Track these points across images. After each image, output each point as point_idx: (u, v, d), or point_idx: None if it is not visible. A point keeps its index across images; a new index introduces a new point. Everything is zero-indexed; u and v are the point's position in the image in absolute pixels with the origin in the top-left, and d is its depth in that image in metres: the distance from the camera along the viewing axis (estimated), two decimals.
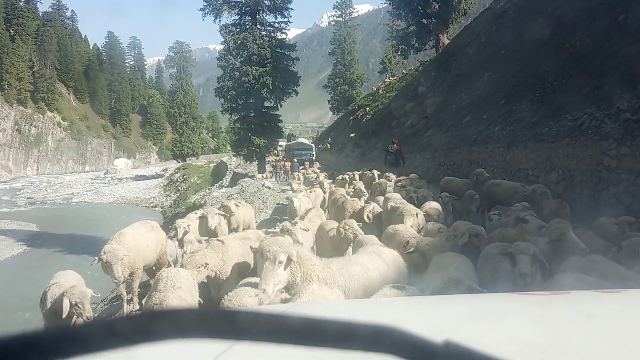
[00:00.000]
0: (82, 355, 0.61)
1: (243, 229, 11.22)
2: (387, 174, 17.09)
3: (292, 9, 44.89)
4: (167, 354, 1.01)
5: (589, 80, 15.63)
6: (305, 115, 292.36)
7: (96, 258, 7.17)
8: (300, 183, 20.24)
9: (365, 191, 13.99)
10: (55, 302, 5.81)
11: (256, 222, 13.88)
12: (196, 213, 10.79)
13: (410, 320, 1.67)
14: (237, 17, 44.49)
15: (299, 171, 34.34)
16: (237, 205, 11.40)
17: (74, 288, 5.77)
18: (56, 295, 5.90)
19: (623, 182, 11.27)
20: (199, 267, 5.96)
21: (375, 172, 17.84)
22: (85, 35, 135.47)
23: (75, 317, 5.74)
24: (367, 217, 9.87)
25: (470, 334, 1.39)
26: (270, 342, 0.64)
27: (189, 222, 10.00)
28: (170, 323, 0.62)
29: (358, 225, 7.73)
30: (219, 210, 10.65)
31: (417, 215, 8.88)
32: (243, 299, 4.17)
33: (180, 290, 5.12)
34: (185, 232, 9.63)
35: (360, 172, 19.41)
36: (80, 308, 5.60)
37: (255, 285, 4.98)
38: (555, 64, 18.98)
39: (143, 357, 0.93)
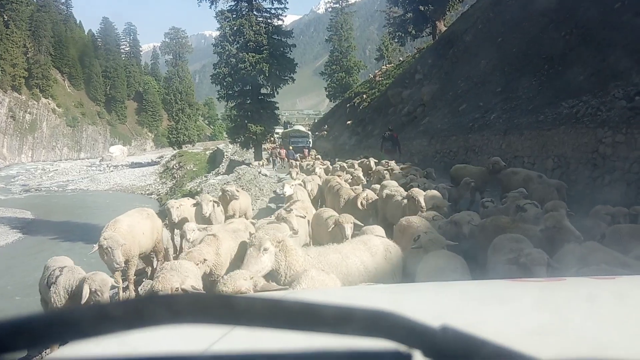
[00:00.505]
0: (73, 340, 0.61)
1: (239, 217, 11.21)
2: (386, 161, 17.08)
3: None
4: (163, 339, 1.01)
5: (585, 67, 15.63)
6: (302, 102, 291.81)
7: (96, 245, 7.14)
8: (297, 172, 20.23)
9: (363, 179, 13.98)
10: (76, 288, 5.76)
11: (253, 209, 13.85)
12: (189, 199, 10.78)
13: (407, 306, 1.68)
14: (233, 3, 44.18)
15: (294, 158, 34.32)
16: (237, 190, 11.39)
17: (96, 275, 5.73)
18: (71, 280, 5.83)
19: (618, 170, 11.30)
20: (197, 264, 5.90)
21: (372, 160, 17.83)
22: (80, 21, 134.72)
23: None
24: (361, 204, 9.86)
25: (468, 320, 1.40)
26: (266, 327, 0.64)
27: (181, 202, 10.02)
28: (163, 308, 0.61)
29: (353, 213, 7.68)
30: (214, 197, 10.61)
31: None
32: (237, 282, 4.15)
33: (187, 279, 5.12)
34: (183, 218, 9.64)
35: (359, 160, 19.38)
36: (99, 295, 5.56)
37: None
38: (552, 52, 18.94)
39: (138, 343, 0.93)
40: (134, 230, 8.01)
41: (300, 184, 13.03)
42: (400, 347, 0.68)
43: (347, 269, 5.11)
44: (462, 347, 0.69)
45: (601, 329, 1.35)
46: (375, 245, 5.64)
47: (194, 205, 10.01)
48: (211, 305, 0.63)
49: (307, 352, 0.64)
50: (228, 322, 0.65)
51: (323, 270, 4.53)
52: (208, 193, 17.80)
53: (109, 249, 6.94)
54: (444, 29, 42.83)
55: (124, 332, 0.60)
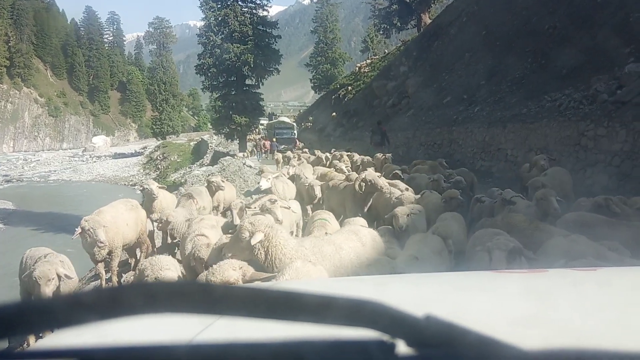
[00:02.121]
0: (48, 329, 0.60)
1: (224, 208, 11.17)
2: (383, 155, 16.89)
3: None
4: (147, 331, 1.00)
5: (567, 61, 15.74)
6: (287, 94, 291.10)
7: (78, 228, 7.06)
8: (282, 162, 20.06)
9: (346, 170, 13.78)
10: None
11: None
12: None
13: (391, 296, 1.69)
14: None
15: (278, 150, 34.35)
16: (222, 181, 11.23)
17: (42, 264, 5.75)
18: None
19: (600, 163, 11.43)
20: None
21: (356, 155, 17.35)
22: (62, 10, 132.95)
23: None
24: (359, 186, 9.36)
25: (452, 309, 1.41)
26: (247, 316, 0.63)
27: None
28: (139, 296, 0.60)
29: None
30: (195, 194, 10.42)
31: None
32: (226, 272, 4.09)
33: (169, 271, 5.08)
34: (165, 209, 9.51)
35: (348, 154, 18.79)
36: (40, 287, 5.57)
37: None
38: (535, 45, 19.06)
39: (121, 335, 0.92)
40: (117, 221, 7.91)
41: (282, 176, 12.87)
42: (384, 337, 0.67)
43: (341, 261, 5.08)
44: (446, 336, 0.70)
45: (583, 318, 1.37)
46: (364, 235, 5.66)
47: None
48: (189, 294, 0.62)
49: (289, 342, 0.64)
50: (207, 311, 0.63)
51: (310, 262, 4.50)
52: (192, 184, 17.65)
53: (91, 230, 6.86)
54: (429, 21, 42.90)
55: (99, 322, 0.58)
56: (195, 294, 0.62)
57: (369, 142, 22.33)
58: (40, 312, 0.58)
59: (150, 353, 0.63)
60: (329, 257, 5.02)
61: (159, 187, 9.90)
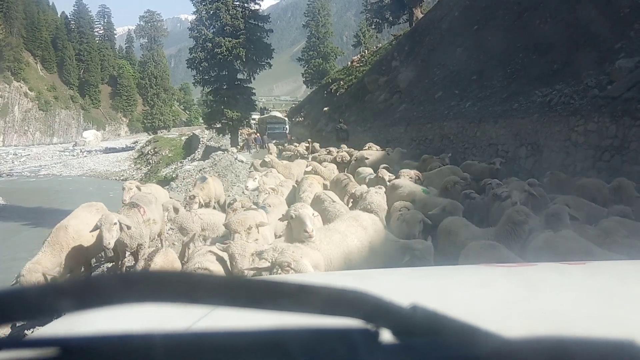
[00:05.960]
0: (22, 320, 0.61)
1: (213, 203, 11.15)
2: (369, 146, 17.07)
3: None
4: (136, 322, 1.00)
5: (558, 56, 15.78)
6: (279, 88, 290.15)
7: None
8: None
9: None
10: None
11: (229, 195, 13.69)
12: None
13: (377, 288, 1.69)
14: None
15: (263, 146, 34.55)
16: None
17: None
18: None
19: (589, 158, 11.46)
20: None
21: (340, 152, 16.86)
22: (52, 3, 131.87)
23: None
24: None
25: (437, 300, 1.42)
26: (229, 305, 0.63)
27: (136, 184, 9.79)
28: (118, 285, 0.59)
29: None
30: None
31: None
32: (210, 265, 4.21)
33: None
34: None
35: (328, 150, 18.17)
36: None
37: None
38: (526, 40, 19.09)
39: (109, 326, 0.92)
40: (81, 236, 6.94)
41: (271, 171, 12.73)
42: (368, 325, 0.67)
43: (348, 248, 5.14)
44: (430, 325, 0.70)
45: (568, 309, 1.39)
46: (365, 220, 5.73)
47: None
48: (168, 283, 0.62)
49: (272, 330, 0.64)
50: (187, 300, 0.63)
51: (318, 250, 4.60)
52: (184, 179, 17.56)
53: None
54: (421, 16, 42.85)
55: (77, 311, 0.57)
56: (174, 283, 0.62)
57: (336, 138, 24.55)
58: (16, 300, 0.57)
59: (131, 341, 0.63)
60: (337, 244, 5.09)
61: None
